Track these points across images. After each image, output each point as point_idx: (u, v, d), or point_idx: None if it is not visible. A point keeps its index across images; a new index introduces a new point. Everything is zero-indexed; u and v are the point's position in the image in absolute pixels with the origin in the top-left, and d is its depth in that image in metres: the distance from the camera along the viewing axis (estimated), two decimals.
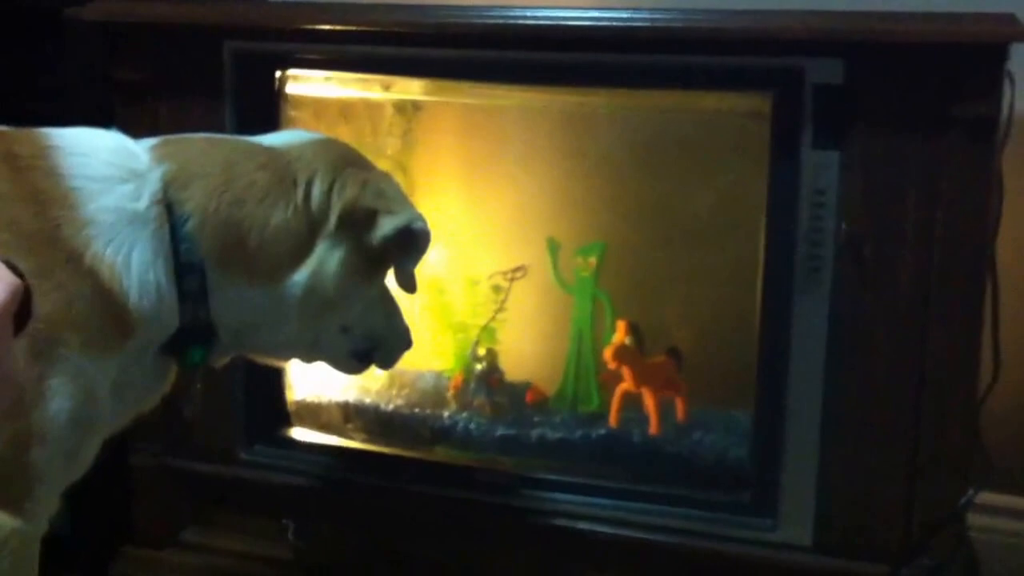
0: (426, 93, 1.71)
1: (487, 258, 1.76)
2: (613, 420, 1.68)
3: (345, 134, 1.65)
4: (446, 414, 1.70)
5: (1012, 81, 1.33)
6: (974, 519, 1.52)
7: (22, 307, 0.88)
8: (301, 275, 1.20)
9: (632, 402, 1.67)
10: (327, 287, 1.21)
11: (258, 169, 1.20)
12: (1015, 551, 1.73)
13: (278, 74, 1.56)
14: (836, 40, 1.35)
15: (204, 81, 1.54)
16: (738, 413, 1.61)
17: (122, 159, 1.15)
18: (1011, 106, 1.36)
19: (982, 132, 1.31)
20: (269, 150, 1.23)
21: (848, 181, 1.35)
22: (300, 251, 1.20)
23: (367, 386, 1.74)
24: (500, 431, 1.66)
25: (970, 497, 1.43)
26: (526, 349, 1.79)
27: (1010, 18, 1.28)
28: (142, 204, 1.13)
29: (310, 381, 1.71)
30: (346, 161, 1.26)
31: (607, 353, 1.67)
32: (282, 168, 1.21)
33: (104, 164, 1.13)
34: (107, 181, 1.13)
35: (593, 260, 1.72)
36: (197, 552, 1.68)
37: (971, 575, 1.54)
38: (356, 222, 1.22)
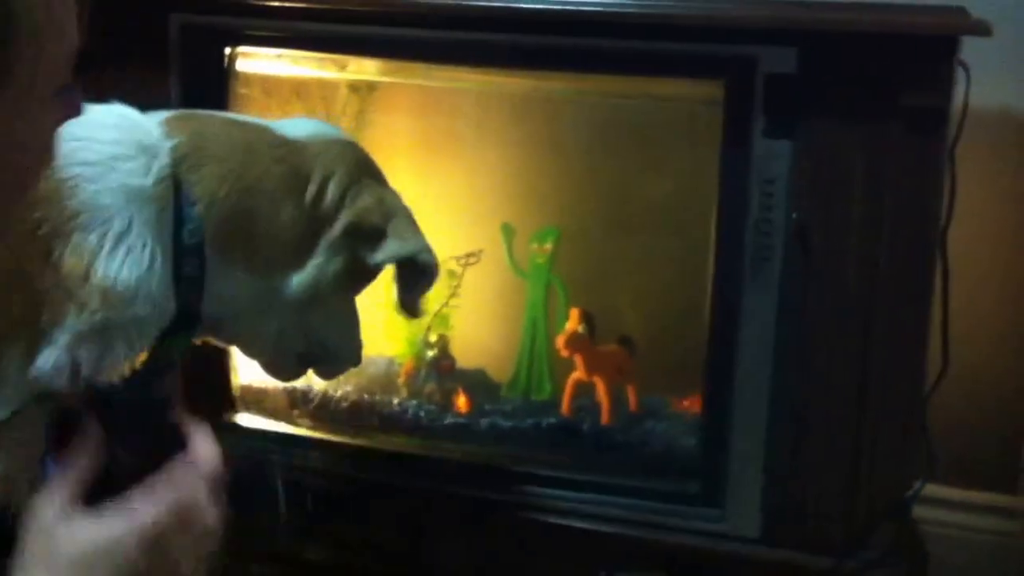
0: (381, 73, 1.69)
1: (440, 243, 1.73)
2: (565, 409, 1.67)
3: (297, 111, 1.63)
4: (396, 401, 1.68)
5: (968, 74, 1.33)
6: (922, 512, 1.53)
7: None
8: (300, 276, 1.18)
9: (585, 391, 1.66)
10: (321, 292, 1.19)
11: (276, 161, 1.17)
12: (963, 544, 1.74)
13: (227, 50, 1.53)
14: (790, 29, 1.34)
15: (150, 55, 1.51)
16: (690, 403, 1.60)
17: (128, 134, 1.11)
18: (966, 98, 1.36)
19: (932, 123, 1.31)
20: (290, 142, 1.20)
21: (798, 171, 1.35)
22: (302, 251, 1.18)
23: None
24: (450, 419, 1.65)
25: (917, 490, 1.43)
26: (479, 336, 1.78)
27: (960, 11, 1.29)
28: (149, 180, 1.09)
29: (256, 365, 1.69)
30: (365, 171, 1.24)
31: (560, 341, 1.65)
32: (300, 163, 1.19)
33: (107, 143, 1.09)
34: (110, 161, 1.08)
35: (548, 246, 1.71)
36: None
37: (919, 568, 1.54)
38: (361, 235, 1.20)
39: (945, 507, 1.69)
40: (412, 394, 1.70)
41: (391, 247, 1.21)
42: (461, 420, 1.65)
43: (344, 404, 1.67)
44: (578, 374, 1.66)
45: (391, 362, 1.77)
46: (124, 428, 0.96)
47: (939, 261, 1.39)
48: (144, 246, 1.08)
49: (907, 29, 1.30)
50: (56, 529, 0.92)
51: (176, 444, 0.97)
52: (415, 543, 1.57)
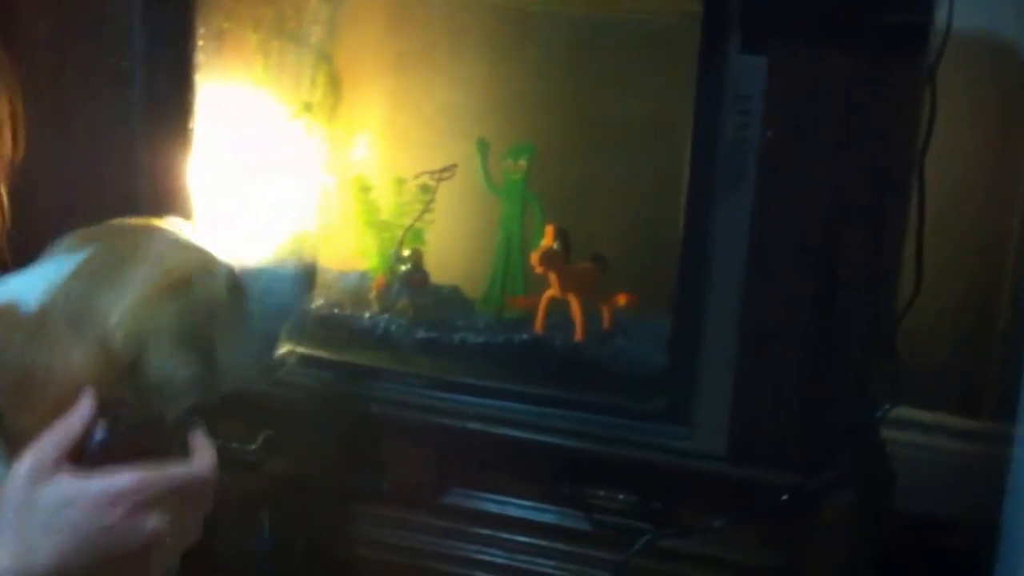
0: None
1: (415, 158, 1.72)
2: (539, 326, 1.67)
3: (266, 17, 1.58)
4: (367, 315, 1.68)
5: None
6: (891, 434, 1.54)
7: None
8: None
9: (558, 308, 1.66)
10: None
11: (40, 349, 1.09)
12: (932, 466, 1.76)
13: None
14: None
15: None
16: (661, 322, 1.60)
17: None
18: (949, 19, 1.34)
19: (911, 41, 1.28)
20: (40, 313, 1.10)
21: (773, 88, 1.32)
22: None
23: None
24: (421, 334, 1.64)
25: (885, 411, 1.44)
26: (453, 251, 1.77)
27: None
28: None
29: None
30: (113, 287, 1.13)
31: (534, 257, 1.64)
32: (60, 332, 1.09)
33: None
34: None
35: (522, 163, 1.69)
36: None
37: (884, 488, 1.56)
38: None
39: (913, 429, 1.71)
40: (383, 308, 1.69)
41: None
42: (431, 335, 1.64)
43: (314, 318, 1.66)
44: (552, 291, 1.66)
45: (363, 276, 1.76)
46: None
47: (916, 184, 1.38)
48: None
49: None
50: (28, 481, 0.97)
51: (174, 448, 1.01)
52: (379, 455, 1.58)
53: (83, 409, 1.02)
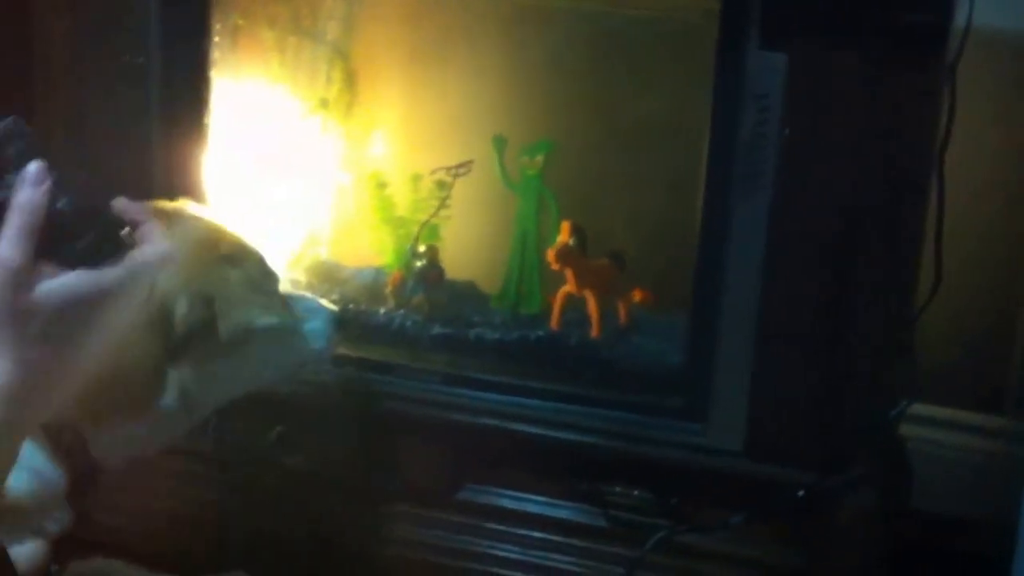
0: None
1: (430, 153, 1.72)
2: (554, 323, 1.66)
3: (282, 14, 1.58)
4: (382, 311, 1.68)
5: None
6: (910, 430, 1.54)
7: None
8: (169, 397, 1.14)
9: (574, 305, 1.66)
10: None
11: None
12: (950, 464, 1.76)
13: None
14: None
15: None
16: (677, 319, 1.59)
17: None
18: (969, 16, 1.33)
19: (931, 39, 1.28)
20: None
21: (792, 85, 1.32)
22: (159, 376, 1.14)
23: (299, 280, 1.71)
24: (436, 329, 1.64)
25: (903, 408, 1.43)
26: (468, 247, 1.76)
27: None
28: None
29: None
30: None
31: (551, 254, 1.64)
32: None
33: None
34: None
35: (539, 159, 1.68)
36: None
37: (904, 485, 1.55)
38: (201, 328, 1.16)
39: (932, 426, 1.70)
40: (399, 304, 1.69)
41: (223, 329, 1.16)
42: (447, 331, 1.64)
43: None
44: (568, 288, 1.65)
45: (378, 272, 1.76)
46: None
47: (935, 181, 1.37)
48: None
49: None
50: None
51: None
52: (394, 451, 1.58)
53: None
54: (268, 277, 1.24)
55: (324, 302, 1.32)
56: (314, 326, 1.28)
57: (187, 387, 1.15)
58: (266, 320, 1.19)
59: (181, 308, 1.13)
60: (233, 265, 1.19)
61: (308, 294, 1.35)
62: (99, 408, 1.11)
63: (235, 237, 1.22)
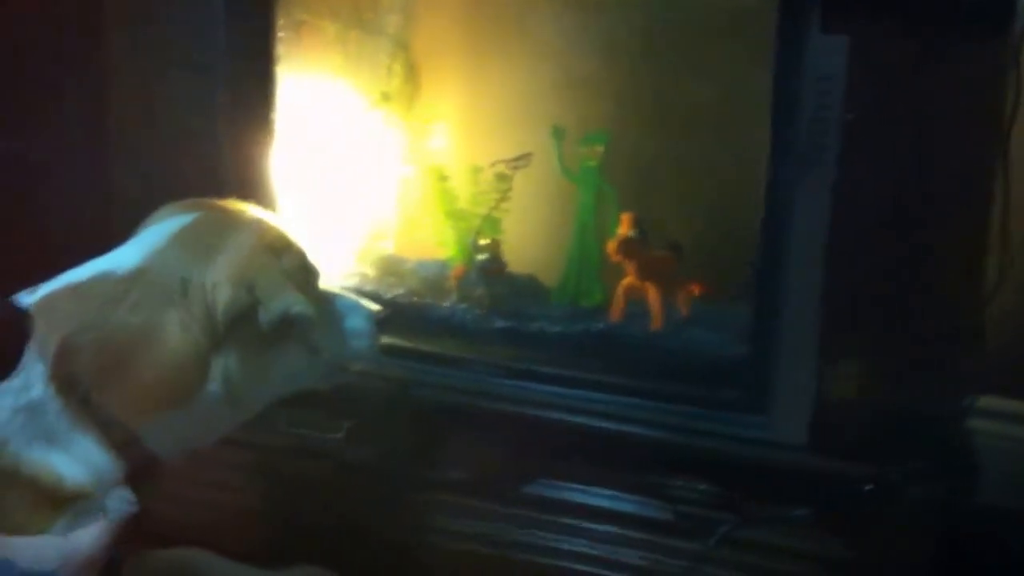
0: None
1: (490, 145, 1.72)
2: (615, 315, 1.66)
3: (344, 8, 1.60)
4: (445, 304, 1.68)
5: None
6: (976, 423, 1.50)
7: None
8: (213, 386, 1.17)
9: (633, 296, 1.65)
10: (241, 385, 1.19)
11: (131, 311, 1.14)
12: (1017, 457, 1.71)
13: None
14: None
15: None
16: (736, 311, 1.58)
17: None
18: None
19: (997, 19, 1.25)
20: (131, 278, 1.16)
21: (855, 68, 1.30)
22: (202, 365, 1.16)
23: (367, 273, 1.72)
24: (498, 323, 1.65)
25: (970, 401, 1.40)
26: (528, 240, 1.76)
27: None
28: (36, 392, 1.11)
29: None
30: (208, 250, 1.18)
31: (611, 246, 1.64)
32: (152, 295, 1.15)
33: None
34: None
35: (598, 149, 1.68)
36: None
37: (967, 479, 1.52)
38: (243, 317, 1.17)
39: (1001, 419, 1.66)
40: (461, 297, 1.70)
41: (263, 315, 1.18)
42: (509, 324, 1.64)
43: (394, 307, 1.67)
44: (629, 280, 1.64)
45: (442, 266, 1.77)
46: None
47: (1001, 163, 1.34)
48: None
49: None
50: None
51: None
52: (457, 444, 1.58)
53: None
54: (308, 272, 1.26)
55: (365, 301, 1.34)
56: (354, 324, 1.31)
57: (230, 375, 1.17)
58: (304, 309, 1.21)
59: (224, 295, 1.15)
60: (276, 255, 1.21)
61: (349, 293, 1.36)
62: (144, 402, 1.14)
63: (279, 230, 1.24)
